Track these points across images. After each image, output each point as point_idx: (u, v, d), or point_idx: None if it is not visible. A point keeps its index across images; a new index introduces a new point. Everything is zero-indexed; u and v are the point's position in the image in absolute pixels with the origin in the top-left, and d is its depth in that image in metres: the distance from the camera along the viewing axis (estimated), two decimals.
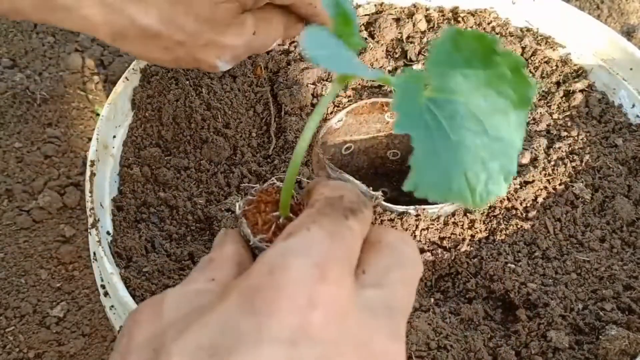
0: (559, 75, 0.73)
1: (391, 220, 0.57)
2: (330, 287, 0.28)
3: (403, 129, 0.28)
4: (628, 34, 1.31)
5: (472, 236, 0.58)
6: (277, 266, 0.28)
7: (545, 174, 0.63)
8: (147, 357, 0.28)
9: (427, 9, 0.76)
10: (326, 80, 0.68)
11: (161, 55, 0.55)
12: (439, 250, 0.57)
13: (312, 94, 0.67)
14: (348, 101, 0.67)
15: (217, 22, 0.53)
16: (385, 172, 0.72)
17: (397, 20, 0.75)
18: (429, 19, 0.75)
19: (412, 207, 0.58)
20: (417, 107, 0.29)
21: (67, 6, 0.50)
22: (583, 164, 0.63)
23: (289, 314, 0.27)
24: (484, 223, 0.59)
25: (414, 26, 0.74)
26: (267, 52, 0.71)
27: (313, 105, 0.67)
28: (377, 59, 0.72)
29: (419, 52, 0.72)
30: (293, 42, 0.72)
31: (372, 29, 0.74)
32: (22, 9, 0.50)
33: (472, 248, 0.58)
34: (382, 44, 0.73)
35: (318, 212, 0.31)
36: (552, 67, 0.72)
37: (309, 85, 0.67)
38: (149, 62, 0.63)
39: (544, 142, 0.65)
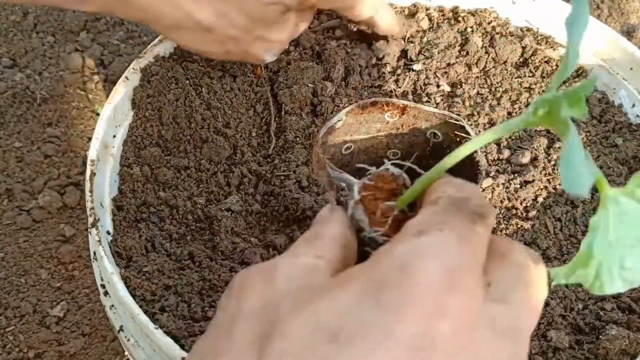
0: None
1: None
2: (460, 296, 0.26)
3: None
4: (628, 33, 1.31)
5: None
6: (409, 264, 0.27)
7: (545, 174, 0.63)
8: (260, 327, 0.27)
9: (427, 9, 0.76)
10: (326, 80, 0.68)
11: (214, 49, 0.62)
12: None
13: (312, 94, 0.67)
14: (348, 101, 0.67)
15: (266, 20, 0.60)
16: None
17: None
18: (429, 19, 0.75)
19: None
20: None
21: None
22: None
23: (416, 318, 0.25)
24: None
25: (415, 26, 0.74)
26: None
27: (313, 104, 0.67)
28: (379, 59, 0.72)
29: (419, 52, 0.72)
30: (292, 41, 0.72)
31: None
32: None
33: None
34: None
35: (445, 212, 0.30)
36: (552, 67, 0.72)
37: (309, 85, 0.67)
38: (200, 54, 0.66)
39: (544, 141, 0.65)
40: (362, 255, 0.33)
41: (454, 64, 0.71)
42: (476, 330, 0.27)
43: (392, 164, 0.36)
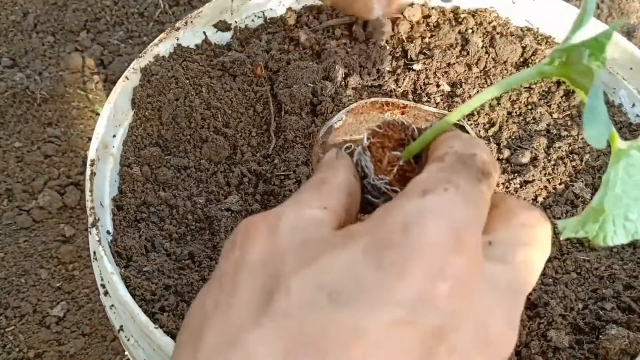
0: None
1: None
2: (462, 258, 0.26)
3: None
4: (628, 33, 1.31)
5: None
6: (413, 224, 0.26)
7: (545, 174, 0.63)
8: (262, 282, 0.28)
9: (427, 9, 0.76)
10: (326, 80, 0.68)
11: None
12: None
13: (312, 93, 0.67)
14: (348, 101, 0.67)
15: None
16: None
17: (396, 19, 0.75)
18: (429, 19, 0.75)
19: None
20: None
21: None
22: (583, 164, 0.63)
23: (417, 280, 0.25)
24: None
25: (413, 26, 0.74)
26: (267, 52, 0.71)
27: (313, 104, 0.67)
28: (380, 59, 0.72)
29: (419, 52, 0.72)
30: (292, 41, 0.72)
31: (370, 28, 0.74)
32: None
33: None
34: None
35: (451, 169, 0.29)
36: None
37: (309, 84, 0.67)
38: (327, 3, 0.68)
39: (544, 141, 0.65)
40: (364, 203, 0.34)
41: (454, 63, 0.71)
42: (475, 290, 0.27)
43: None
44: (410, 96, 0.68)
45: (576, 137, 0.66)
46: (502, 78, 0.71)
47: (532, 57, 0.72)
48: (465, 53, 0.72)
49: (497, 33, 0.74)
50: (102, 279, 0.56)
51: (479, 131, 0.66)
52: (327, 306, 0.25)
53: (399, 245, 0.26)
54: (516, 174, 0.62)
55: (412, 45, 0.72)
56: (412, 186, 0.29)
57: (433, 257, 0.26)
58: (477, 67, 0.72)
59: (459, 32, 0.74)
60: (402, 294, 0.25)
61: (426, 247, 0.26)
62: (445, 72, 0.71)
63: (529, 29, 0.76)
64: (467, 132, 0.65)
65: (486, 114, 0.67)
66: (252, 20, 0.75)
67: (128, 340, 0.54)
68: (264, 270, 0.28)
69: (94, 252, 0.57)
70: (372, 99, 0.67)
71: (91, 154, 0.59)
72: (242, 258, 0.29)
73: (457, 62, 0.71)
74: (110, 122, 0.62)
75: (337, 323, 0.25)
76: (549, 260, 0.57)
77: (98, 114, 1.15)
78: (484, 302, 0.27)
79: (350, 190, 0.32)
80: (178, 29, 0.70)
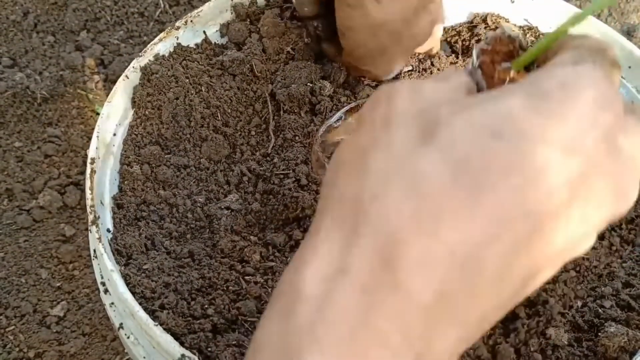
0: None
1: None
2: (611, 115, 0.29)
3: None
4: (628, 33, 1.31)
5: None
6: (570, 84, 0.29)
7: None
8: (419, 125, 0.29)
9: None
10: (324, 79, 0.68)
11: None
12: None
13: (311, 92, 0.67)
14: (347, 100, 0.67)
15: None
16: None
17: None
18: None
19: None
20: None
21: None
22: None
23: (574, 125, 0.28)
24: None
25: None
26: (264, 51, 0.71)
27: (311, 103, 0.67)
28: None
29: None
30: (291, 42, 0.73)
31: None
32: None
33: None
34: None
35: (590, 53, 0.32)
36: None
37: (308, 84, 0.67)
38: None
39: None
40: None
41: (454, 62, 0.71)
42: (617, 148, 0.30)
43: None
44: None
45: None
46: None
47: None
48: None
49: None
50: (102, 277, 0.57)
51: None
52: (490, 141, 0.28)
53: (559, 99, 0.29)
54: None
55: None
56: (559, 59, 0.32)
57: (588, 111, 0.29)
58: None
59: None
60: (559, 137, 0.28)
61: (582, 102, 0.29)
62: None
63: (530, 28, 0.76)
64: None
65: None
66: None
67: (128, 337, 0.54)
68: (418, 118, 0.30)
69: (94, 250, 0.57)
70: None
71: (91, 153, 0.59)
72: (391, 109, 0.30)
73: (457, 61, 0.72)
74: (111, 121, 0.63)
75: (501, 154, 0.27)
76: None
77: (98, 114, 1.15)
78: (616, 162, 0.30)
79: (470, 89, 0.34)
80: (178, 28, 0.70)
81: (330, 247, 0.29)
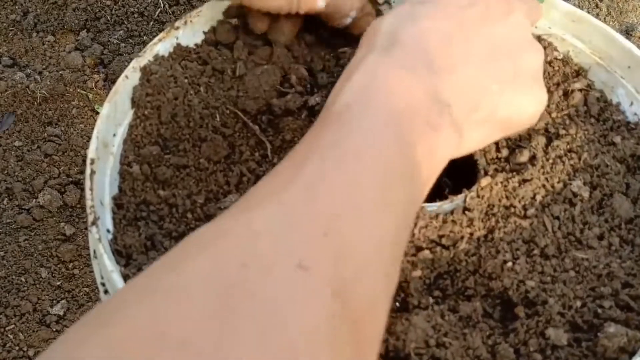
0: (560, 75, 0.73)
1: None
2: None
3: None
4: (627, 32, 1.31)
5: (471, 234, 0.58)
6: None
7: (543, 172, 0.63)
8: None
9: None
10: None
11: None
12: (438, 249, 0.58)
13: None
14: None
15: None
16: None
17: None
18: None
19: None
20: None
21: None
22: (581, 162, 0.63)
23: None
24: (482, 221, 0.59)
25: None
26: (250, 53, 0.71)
27: (310, 104, 0.67)
28: None
29: None
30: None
31: None
32: None
33: (470, 246, 0.58)
34: None
35: None
36: (554, 67, 0.72)
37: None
38: (264, 6, 0.65)
39: (542, 140, 0.65)
40: None
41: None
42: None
43: None
44: None
45: (574, 135, 0.66)
46: None
47: None
48: None
49: None
50: (102, 278, 0.57)
51: None
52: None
53: None
54: (515, 173, 0.62)
55: None
56: None
57: None
58: None
59: None
60: None
61: None
62: None
63: None
64: None
65: None
66: None
67: None
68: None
69: (94, 251, 0.57)
70: None
71: (91, 153, 0.59)
72: None
73: None
74: (110, 121, 0.63)
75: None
76: (548, 258, 0.57)
77: (98, 113, 1.15)
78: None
79: None
80: (177, 28, 0.70)
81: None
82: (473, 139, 0.54)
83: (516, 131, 0.60)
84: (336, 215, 0.35)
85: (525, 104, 0.55)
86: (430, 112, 0.44)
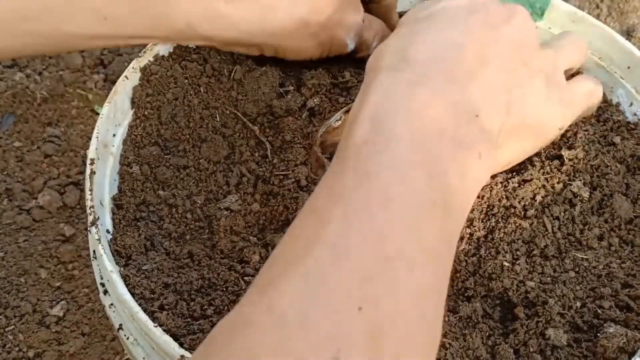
0: None
1: None
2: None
3: None
4: (628, 33, 1.31)
5: (471, 235, 0.58)
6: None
7: (543, 173, 0.63)
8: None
9: None
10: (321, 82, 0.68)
11: (310, 43, 0.62)
12: None
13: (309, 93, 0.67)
14: (345, 100, 0.67)
15: (342, 3, 0.61)
16: None
17: None
18: None
19: None
20: None
21: (227, 14, 0.57)
22: (581, 163, 0.63)
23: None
24: (482, 221, 0.59)
25: None
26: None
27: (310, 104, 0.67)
28: None
29: None
30: None
31: None
32: (193, 24, 0.59)
33: (470, 246, 0.58)
34: None
35: None
36: None
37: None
38: (298, 56, 0.65)
39: None
40: None
41: None
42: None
43: None
44: None
45: (574, 136, 0.66)
46: None
47: None
48: None
49: None
50: (101, 278, 0.57)
51: None
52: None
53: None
54: (515, 173, 0.62)
55: None
56: None
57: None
58: None
59: None
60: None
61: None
62: None
63: None
64: None
65: None
66: None
67: (127, 338, 0.54)
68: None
69: (94, 251, 0.57)
70: None
71: (91, 153, 0.59)
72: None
73: None
74: (110, 121, 0.63)
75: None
76: (548, 259, 0.57)
77: (98, 114, 1.15)
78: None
79: None
80: None
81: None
82: (510, 150, 0.50)
83: (550, 138, 0.57)
84: (368, 280, 0.31)
85: (549, 105, 0.52)
86: (457, 127, 0.39)
